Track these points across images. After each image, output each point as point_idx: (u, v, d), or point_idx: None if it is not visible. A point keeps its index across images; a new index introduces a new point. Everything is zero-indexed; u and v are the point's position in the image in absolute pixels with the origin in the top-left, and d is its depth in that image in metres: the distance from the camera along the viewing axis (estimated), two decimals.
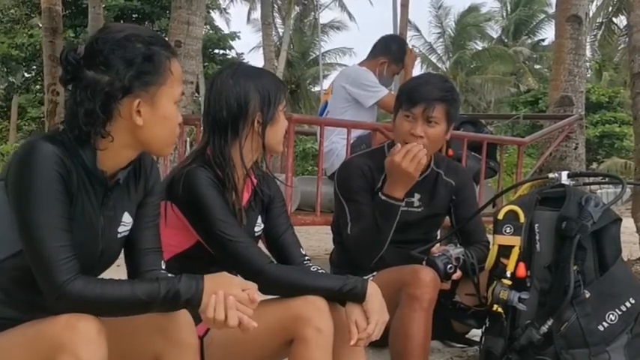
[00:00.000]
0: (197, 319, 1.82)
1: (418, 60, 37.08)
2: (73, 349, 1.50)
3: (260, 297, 1.77)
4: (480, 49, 37.98)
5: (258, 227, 2.29)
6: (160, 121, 1.69)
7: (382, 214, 2.67)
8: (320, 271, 2.12)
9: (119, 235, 1.79)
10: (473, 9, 38.20)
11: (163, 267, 1.86)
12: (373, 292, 2.03)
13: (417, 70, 36.60)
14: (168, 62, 1.69)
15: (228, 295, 1.66)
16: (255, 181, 2.28)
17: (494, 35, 39.33)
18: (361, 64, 4.88)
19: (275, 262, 2.15)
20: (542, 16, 36.65)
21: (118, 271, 1.83)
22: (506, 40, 38.64)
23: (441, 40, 38.53)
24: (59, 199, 1.59)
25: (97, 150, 1.67)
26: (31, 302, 1.66)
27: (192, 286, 1.65)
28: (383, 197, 2.66)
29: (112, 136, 1.66)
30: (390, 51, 4.88)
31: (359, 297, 2.01)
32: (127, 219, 1.80)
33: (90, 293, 1.57)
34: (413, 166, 2.59)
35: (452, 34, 38.15)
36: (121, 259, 1.87)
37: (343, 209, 2.82)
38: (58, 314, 1.56)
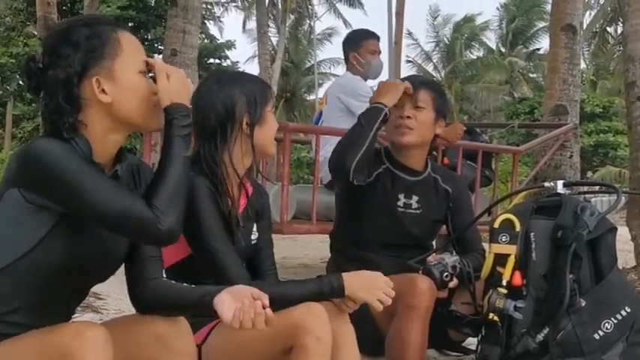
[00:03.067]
0: (195, 328, 1.82)
1: (414, 70, 37.10)
2: (80, 356, 1.50)
3: None
4: (475, 58, 38.11)
5: (254, 235, 2.30)
6: (127, 93, 1.70)
7: (366, 115, 2.81)
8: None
9: None
10: (469, 19, 38.32)
11: (164, 276, 1.86)
12: (350, 281, 2.03)
13: None
14: (114, 34, 1.71)
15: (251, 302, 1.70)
16: (250, 189, 2.28)
17: (490, 44, 39.48)
18: (350, 71, 4.88)
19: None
20: (541, 25, 36.66)
21: (113, 279, 1.84)
22: (503, 50, 38.76)
23: (437, 49, 38.66)
24: (94, 171, 1.62)
25: (83, 137, 1.67)
26: (43, 306, 1.67)
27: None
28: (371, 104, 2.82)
29: (85, 124, 1.67)
30: (348, 45, 4.89)
31: (340, 293, 2.02)
32: None
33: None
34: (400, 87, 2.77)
35: (448, 43, 38.27)
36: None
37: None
38: (71, 316, 1.57)
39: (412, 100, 2.80)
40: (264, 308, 1.70)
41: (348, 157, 2.72)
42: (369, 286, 2.06)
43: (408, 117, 2.79)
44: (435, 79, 34.53)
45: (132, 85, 1.70)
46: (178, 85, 1.73)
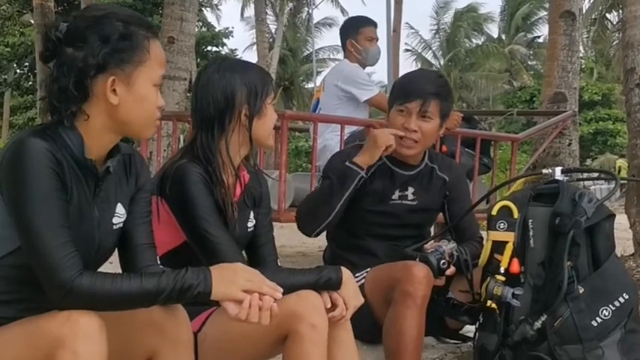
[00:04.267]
0: (191, 316, 1.81)
1: (412, 58, 37.02)
2: (72, 344, 1.49)
3: None
4: (475, 46, 38.02)
5: (251, 223, 2.29)
6: (137, 102, 1.68)
7: (340, 177, 2.69)
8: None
9: (114, 227, 1.78)
10: (471, 9, 38.18)
11: (159, 262, 1.85)
12: (347, 279, 2.03)
13: (411, 66, 36.70)
14: (147, 42, 1.68)
15: (262, 295, 1.69)
16: (247, 176, 2.27)
17: (491, 32, 39.40)
18: (347, 58, 4.87)
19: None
20: (542, 13, 36.51)
21: (110, 269, 1.82)
22: (503, 37, 38.68)
23: (437, 37, 38.58)
24: (56, 196, 1.58)
25: (76, 130, 1.65)
26: (31, 300, 1.65)
27: (199, 276, 1.65)
28: (347, 163, 2.69)
29: (87, 114, 1.65)
30: (345, 33, 4.87)
31: (335, 286, 2.01)
32: (120, 210, 1.79)
33: (99, 288, 1.56)
34: (389, 141, 2.65)
35: (447, 31, 38.18)
36: (114, 256, 1.86)
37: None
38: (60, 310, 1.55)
39: (420, 110, 2.71)
40: (275, 300, 1.70)
41: (311, 225, 2.73)
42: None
43: (415, 131, 2.72)
44: (433, 67, 34.53)
45: (143, 96, 1.68)
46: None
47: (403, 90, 2.77)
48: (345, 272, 2.04)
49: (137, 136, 1.79)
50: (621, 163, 21.18)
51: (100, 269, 1.72)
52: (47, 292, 1.56)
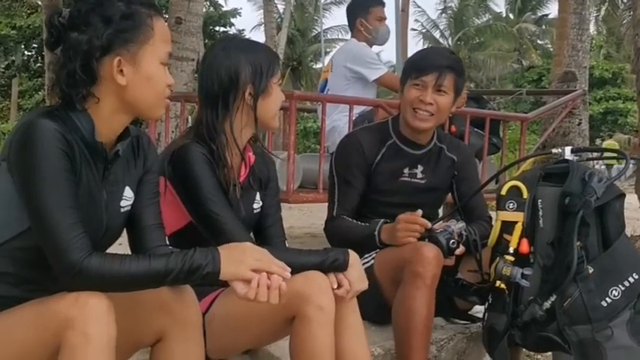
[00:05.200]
0: (198, 297, 1.82)
1: (419, 37, 36.76)
2: (82, 325, 1.50)
3: None
4: (483, 25, 37.71)
5: (257, 204, 2.29)
6: (145, 81, 1.68)
7: (361, 237, 2.67)
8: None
9: (122, 210, 1.79)
10: None
11: (167, 243, 1.85)
12: (354, 261, 2.04)
13: (418, 46, 36.50)
14: (150, 20, 1.68)
15: (269, 274, 1.70)
16: (252, 157, 2.26)
17: (498, 10, 39.09)
18: (355, 37, 4.83)
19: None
20: None
21: (119, 250, 1.83)
22: (511, 16, 38.37)
23: (444, 16, 38.31)
24: (66, 177, 1.58)
25: (86, 113, 1.66)
26: (38, 282, 1.66)
27: (208, 256, 1.66)
28: (375, 232, 2.65)
29: (97, 97, 1.65)
30: (354, 12, 4.83)
31: (342, 268, 2.01)
32: (128, 193, 1.80)
33: (108, 269, 1.57)
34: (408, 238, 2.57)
35: (455, 10, 37.91)
36: (123, 237, 1.86)
37: (334, 187, 2.85)
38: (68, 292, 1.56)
39: (436, 83, 2.71)
40: (284, 280, 1.71)
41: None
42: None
43: (430, 103, 2.72)
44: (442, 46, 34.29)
45: (151, 74, 1.68)
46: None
47: (418, 64, 2.77)
48: (352, 255, 2.04)
49: (147, 116, 1.79)
50: (610, 143, 21.05)
51: (108, 251, 1.72)
52: (56, 272, 1.57)
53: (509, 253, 2.47)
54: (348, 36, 4.89)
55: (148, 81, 1.68)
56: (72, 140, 1.61)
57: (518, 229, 2.49)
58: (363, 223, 2.73)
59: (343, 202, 2.80)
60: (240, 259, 1.69)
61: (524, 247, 2.48)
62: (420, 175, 2.88)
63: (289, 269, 1.75)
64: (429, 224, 2.57)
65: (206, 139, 2.12)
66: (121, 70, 1.65)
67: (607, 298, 2.40)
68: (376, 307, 2.56)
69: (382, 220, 2.68)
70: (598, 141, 27.21)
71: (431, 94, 2.72)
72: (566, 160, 2.60)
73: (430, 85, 2.72)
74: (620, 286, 2.42)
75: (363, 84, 4.66)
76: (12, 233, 1.62)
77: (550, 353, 2.56)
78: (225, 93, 2.12)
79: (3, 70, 26.81)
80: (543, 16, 38.17)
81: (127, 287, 1.63)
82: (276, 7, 30.40)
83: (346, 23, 4.98)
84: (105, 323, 1.52)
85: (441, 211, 3.20)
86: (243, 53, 2.14)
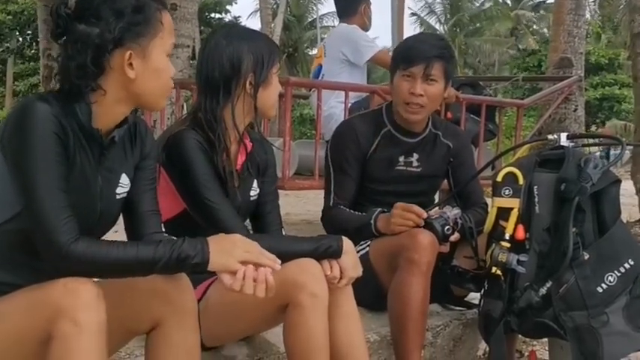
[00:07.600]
0: (193, 284, 1.81)
1: (415, 22, 36.63)
2: (72, 313, 1.49)
3: None
4: (479, 10, 37.59)
5: (254, 191, 2.28)
6: (153, 74, 1.68)
7: (358, 227, 2.67)
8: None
9: (118, 197, 1.78)
10: None
11: (163, 230, 1.85)
12: (348, 248, 2.03)
13: (415, 32, 36.38)
14: (158, 14, 1.68)
15: (257, 267, 1.69)
16: (250, 144, 2.26)
17: None
18: (348, 22, 4.81)
19: (251, 231, 2.17)
20: None
21: (115, 237, 1.82)
22: (509, 3, 38.26)
23: (440, 1, 38.18)
24: (57, 161, 1.58)
25: (91, 104, 1.66)
26: (31, 267, 1.65)
27: (197, 247, 1.66)
28: (371, 221, 2.65)
29: (104, 89, 1.65)
30: None
31: (336, 255, 2.01)
32: (124, 180, 1.79)
33: (94, 253, 1.56)
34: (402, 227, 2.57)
35: None
36: (119, 225, 1.85)
37: (330, 176, 2.84)
38: (59, 277, 1.55)
39: (425, 73, 2.69)
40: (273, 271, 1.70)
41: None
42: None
43: (421, 95, 2.71)
44: (438, 32, 34.20)
45: (159, 67, 1.69)
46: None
47: (405, 55, 2.75)
48: (346, 242, 2.03)
49: (151, 107, 1.79)
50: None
51: (105, 237, 1.72)
52: (44, 255, 1.57)
53: (505, 240, 2.47)
54: None
55: (156, 74, 1.69)
56: (67, 125, 1.60)
57: (514, 215, 2.49)
58: (359, 213, 2.73)
59: (339, 191, 2.80)
60: (230, 251, 1.69)
61: (520, 233, 2.47)
62: (415, 164, 2.87)
63: (279, 261, 1.75)
64: (425, 214, 2.56)
65: (203, 126, 2.11)
66: (131, 64, 1.65)
67: (603, 284, 2.41)
68: (372, 294, 2.56)
69: (379, 210, 2.68)
70: (594, 127, 27.22)
71: (420, 84, 2.70)
72: (562, 147, 2.59)
73: (419, 76, 2.70)
74: (615, 272, 2.42)
75: (357, 68, 4.67)
76: (5, 217, 1.61)
77: (546, 339, 2.56)
78: (226, 81, 2.11)
79: None
80: (541, 2, 38.08)
81: (115, 273, 1.63)
82: None
83: None
84: (95, 310, 1.51)
85: (436, 198, 3.19)
86: (246, 42, 2.13)
